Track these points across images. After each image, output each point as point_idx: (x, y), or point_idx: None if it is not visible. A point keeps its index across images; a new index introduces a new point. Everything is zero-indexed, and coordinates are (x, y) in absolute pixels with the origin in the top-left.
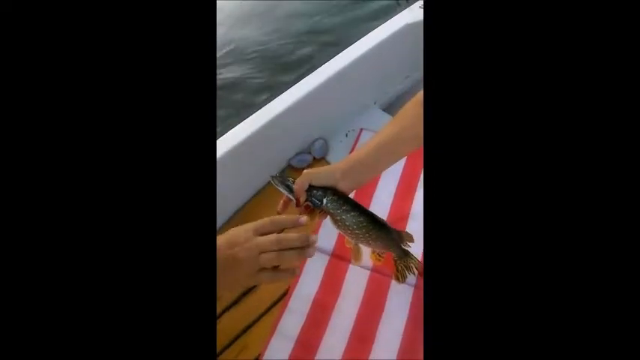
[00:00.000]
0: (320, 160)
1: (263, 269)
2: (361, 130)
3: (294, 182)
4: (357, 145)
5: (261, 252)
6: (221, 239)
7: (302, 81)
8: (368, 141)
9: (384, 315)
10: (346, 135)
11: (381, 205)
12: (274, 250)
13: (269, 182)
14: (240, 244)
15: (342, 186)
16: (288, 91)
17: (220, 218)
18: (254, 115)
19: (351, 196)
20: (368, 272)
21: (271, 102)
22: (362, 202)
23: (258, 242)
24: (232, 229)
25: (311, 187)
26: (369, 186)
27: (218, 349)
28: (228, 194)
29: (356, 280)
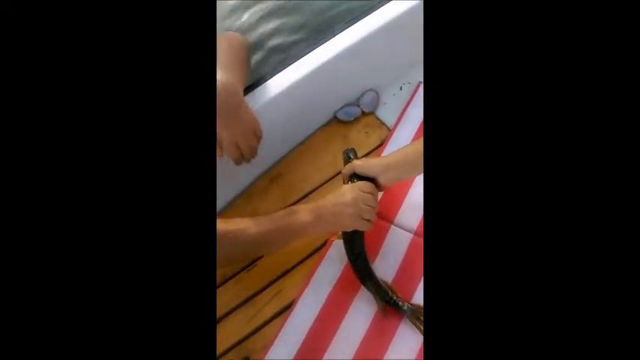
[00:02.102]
0: (369, 114)
1: (363, 219)
2: (419, 83)
3: (354, 158)
4: (414, 99)
5: (365, 204)
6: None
7: (354, 25)
8: (416, 140)
9: (421, 282)
10: (400, 88)
11: (413, 206)
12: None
13: (311, 134)
14: (348, 197)
15: (382, 179)
16: (338, 36)
17: (262, 166)
18: (299, 61)
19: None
20: (411, 236)
21: (319, 47)
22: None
23: (363, 195)
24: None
25: (355, 175)
26: (404, 186)
27: (253, 291)
28: (270, 143)
29: (396, 242)
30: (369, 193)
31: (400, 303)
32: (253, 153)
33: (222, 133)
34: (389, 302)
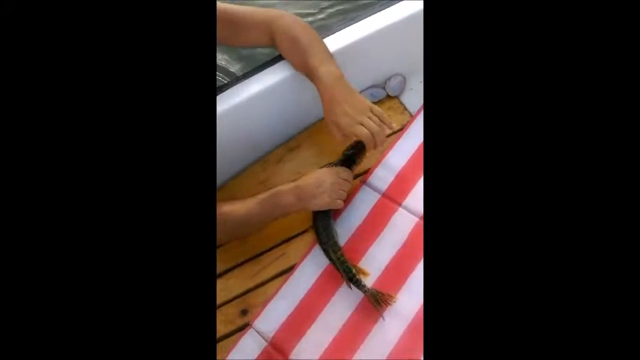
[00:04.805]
0: (393, 98)
1: (337, 199)
2: None
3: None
4: None
5: (340, 189)
6: (310, 179)
7: (389, 8)
8: None
9: (420, 263)
10: None
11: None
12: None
13: None
14: (327, 182)
15: None
16: (371, 17)
17: (283, 136)
18: (329, 37)
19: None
20: (416, 219)
21: (350, 26)
22: (405, 185)
23: (340, 181)
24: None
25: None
26: (418, 171)
27: (260, 251)
28: (293, 115)
29: (401, 224)
30: (345, 179)
31: (363, 283)
32: (383, 131)
33: (342, 120)
34: (351, 280)
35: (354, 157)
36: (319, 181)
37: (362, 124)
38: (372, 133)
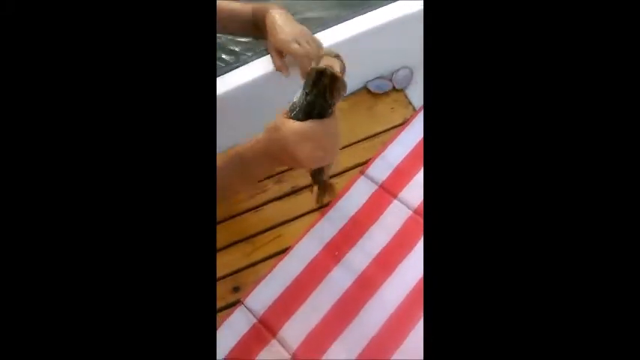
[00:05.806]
0: (399, 90)
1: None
2: None
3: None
4: None
5: (318, 153)
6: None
7: (400, 1)
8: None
9: (410, 254)
10: None
11: (419, 185)
12: None
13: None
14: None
15: None
16: (381, 8)
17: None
18: (337, 26)
19: None
20: (409, 212)
21: (359, 17)
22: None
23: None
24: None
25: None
26: (416, 165)
27: (255, 231)
28: (273, 110)
29: (395, 215)
30: (319, 139)
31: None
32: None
33: (279, 38)
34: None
35: (320, 97)
36: (288, 153)
37: (297, 43)
38: (307, 52)
